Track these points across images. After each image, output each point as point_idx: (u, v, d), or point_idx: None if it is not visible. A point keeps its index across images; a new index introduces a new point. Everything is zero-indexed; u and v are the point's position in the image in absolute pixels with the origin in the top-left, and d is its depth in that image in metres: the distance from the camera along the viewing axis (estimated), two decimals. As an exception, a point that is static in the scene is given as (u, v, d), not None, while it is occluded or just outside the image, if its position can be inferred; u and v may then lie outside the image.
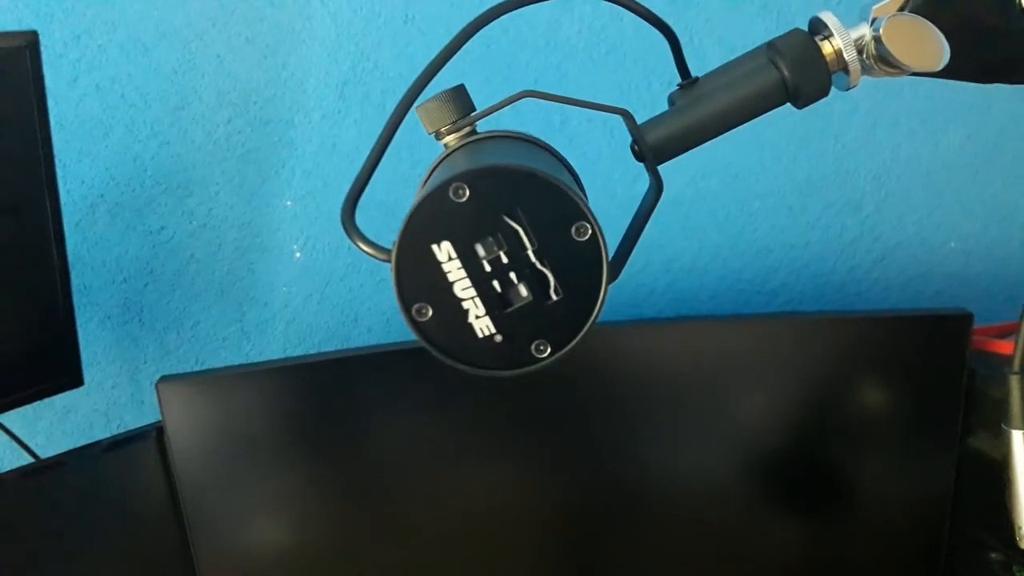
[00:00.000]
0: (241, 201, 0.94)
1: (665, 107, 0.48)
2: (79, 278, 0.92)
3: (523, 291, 0.36)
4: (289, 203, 0.95)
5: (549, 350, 0.36)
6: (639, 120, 0.46)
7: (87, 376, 0.82)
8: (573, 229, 0.35)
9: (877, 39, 0.44)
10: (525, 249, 0.35)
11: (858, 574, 0.87)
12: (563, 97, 0.42)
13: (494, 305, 0.36)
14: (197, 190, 0.93)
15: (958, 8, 0.46)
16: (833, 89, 0.46)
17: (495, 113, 0.42)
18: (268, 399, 0.79)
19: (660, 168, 0.45)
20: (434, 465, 0.82)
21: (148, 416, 0.80)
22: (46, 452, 0.77)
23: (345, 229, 0.39)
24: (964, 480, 0.82)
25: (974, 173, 1.04)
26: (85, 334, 0.86)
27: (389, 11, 0.91)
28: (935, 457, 0.83)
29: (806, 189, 1.02)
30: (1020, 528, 0.60)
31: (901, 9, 0.46)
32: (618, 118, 0.43)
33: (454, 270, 0.35)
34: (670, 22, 0.45)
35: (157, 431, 0.78)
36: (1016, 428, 0.60)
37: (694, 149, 0.46)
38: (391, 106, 0.42)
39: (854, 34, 0.45)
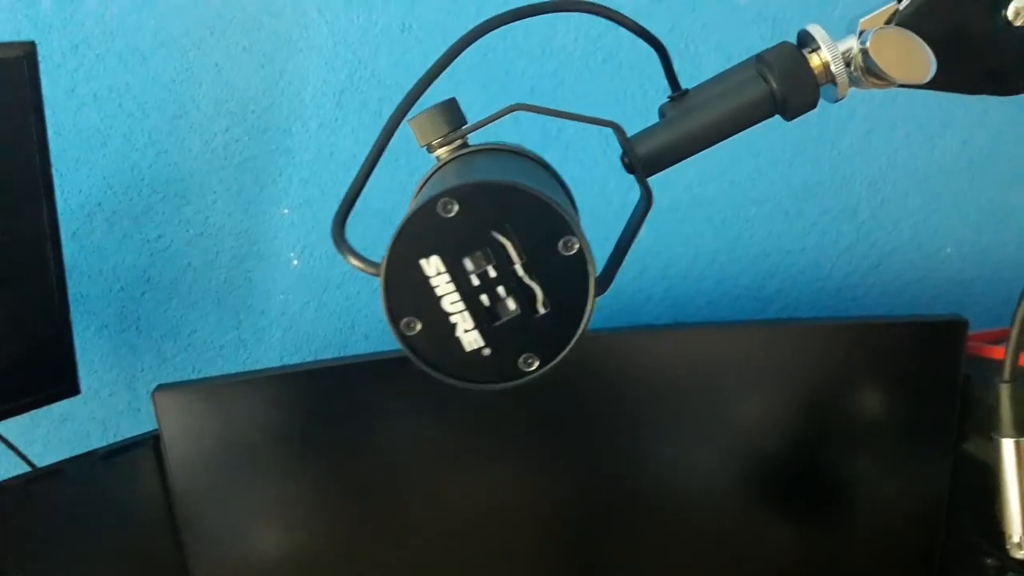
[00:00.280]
0: (238, 209, 0.95)
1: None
2: (76, 286, 0.92)
3: (511, 305, 0.36)
4: (286, 211, 0.96)
5: (537, 363, 0.37)
6: (633, 131, 0.46)
7: (84, 384, 0.82)
8: (560, 243, 0.35)
9: (864, 52, 0.45)
10: (513, 263, 0.36)
11: (854, 580, 0.87)
12: (553, 110, 0.43)
13: (482, 319, 0.36)
14: (194, 198, 0.94)
15: (945, 20, 0.46)
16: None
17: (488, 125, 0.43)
18: (265, 407, 0.79)
19: (656, 175, 0.45)
20: (431, 474, 0.82)
21: (145, 425, 0.80)
22: (43, 460, 0.77)
23: (335, 243, 0.40)
24: (959, 485, 0.83)
25: (970, 179, 1.04)
26: (82, 342, 0.86)
27: (386, 20, 0.91)
28: (930, 462, 0.83)
29: (802, 195, 1.02)
30: (1011, 537, 0.60)
31: (888, 22, 0.46)
32: None
33: (442, 284, 0.36)
34: (667, 29, 0.46)
35: (154, 439, 0.78)
36: (1007, 437, 0.60)
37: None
38: (388, 114, 0.42)
39: (842, 47, 0.45)
